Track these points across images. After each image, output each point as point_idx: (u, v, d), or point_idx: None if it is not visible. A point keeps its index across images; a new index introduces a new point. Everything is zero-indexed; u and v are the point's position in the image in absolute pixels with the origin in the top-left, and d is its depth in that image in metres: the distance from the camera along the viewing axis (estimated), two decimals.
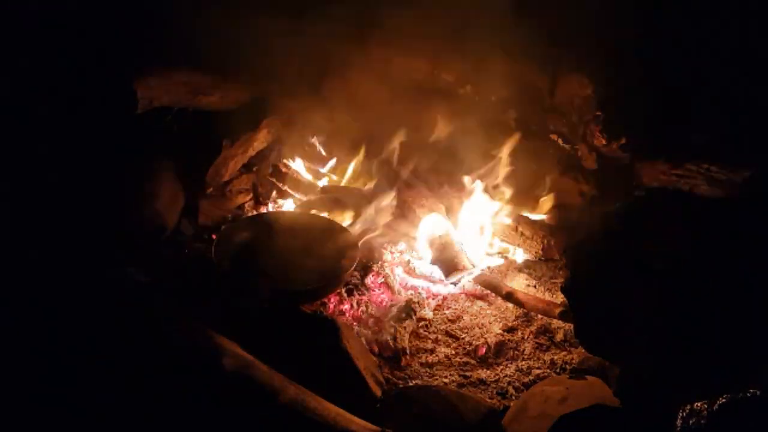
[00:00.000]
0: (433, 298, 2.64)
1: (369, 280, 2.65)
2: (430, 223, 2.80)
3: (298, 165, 3.25)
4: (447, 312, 2.58)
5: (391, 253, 2.82)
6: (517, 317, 2.55)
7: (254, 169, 3.27)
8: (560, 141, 2.94)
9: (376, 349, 2.32)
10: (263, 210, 3.11)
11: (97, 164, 2.80)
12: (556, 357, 2.35)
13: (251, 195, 3.18)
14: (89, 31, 2.77)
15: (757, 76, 2.37)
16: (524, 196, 2.94)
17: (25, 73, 2.69)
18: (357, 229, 2.79)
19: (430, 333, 2.47)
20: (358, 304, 2.52)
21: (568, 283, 2.06)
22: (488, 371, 2.29)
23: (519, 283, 2.74)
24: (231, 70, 3.10)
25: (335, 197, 2.99)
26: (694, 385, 1.91)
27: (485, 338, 2.43)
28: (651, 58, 2.54)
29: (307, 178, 3.19)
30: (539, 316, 2.52)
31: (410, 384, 2.19)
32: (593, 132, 2.67)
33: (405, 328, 2.39)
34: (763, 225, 2.10)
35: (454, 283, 2.69)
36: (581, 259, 2.05)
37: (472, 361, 2.34)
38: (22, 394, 2.01)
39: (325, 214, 2.85)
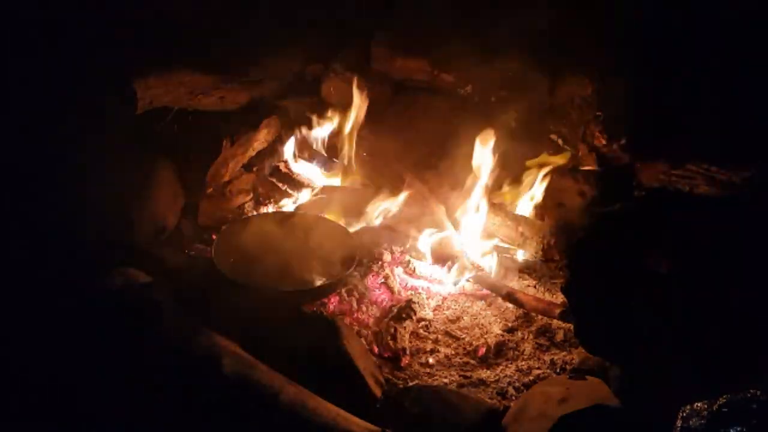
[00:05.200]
0: (433, 298, 2.64)
1: (369, 280, 2.65)
2: (430, 224, 2.80)
3: (298, 165, 3.25)
4: (447, 312, 2.58)
5: (391, 253, 2.82)
6: (517, 317, 2.55)
7: (254, 169, 3.27)
8: (560, 141, 2.94)
9: (376, 350, 2.32)
10: (263, 210, 3.11)
11: (96, 164, 2.80)
12: (556, 357, 2.35)
13: (251, 195, 3.18)
14: (89, 30, 2.77)
15: (758, 75, 2.36)
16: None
17: (23, 73, 2.69)
18: (357, 228, 2.80)
19: (430, 333, 2.46)
20: (358, 304, 2.52)
21: (568, 283, 2.06)
22: (488, 371, 2.29)
23: (519, 283, 2.74)
24: (231, 70, 3.11)
25: (335, 197, 2.99)
26: (694, 385, 1.92)
27: (485, 338, 2.43)
28: (651, 58, 2.54)
29: (307, 179, 3.19)
30: (539, 316, 2.52)
31: (410, 384, 2.19)
32: (593, 132, 2.67)
33: (405, 328, 2.39)
34: (763, 225, 2.10)
35: (454, 283, 2.69)
36: (581, 259, 2.05)
37: (472, 361, 2.34)
38: (22, 396, 2.01)
39: (325, 214, 2.85)
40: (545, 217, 2.86)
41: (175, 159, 2.98)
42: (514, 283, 2.72)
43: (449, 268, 2.68)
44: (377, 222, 2.87)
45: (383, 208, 2.88)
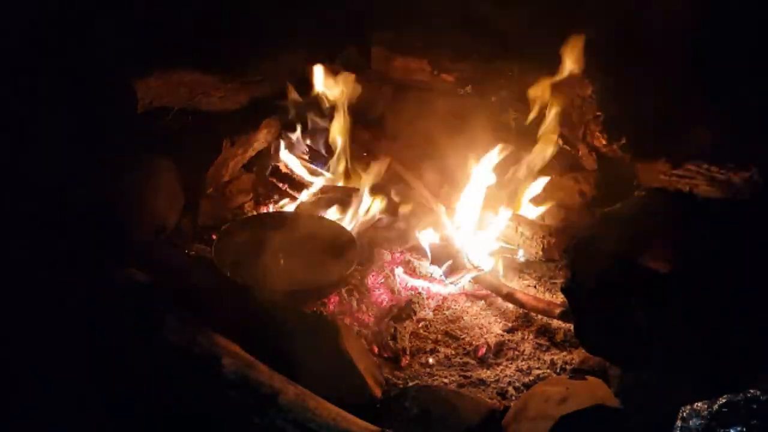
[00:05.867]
0: (433, 299, 2.64)
1: (369, 280, 2.65)
2: (430, 224, 2.80)
3: (298, 165, 3.25)
4: (447, 312, 2.58)
5: (391, 253, 2.82)
6: (517, 317, 2.55)
7: (254, 169, 3.27)
8: (560, 141, 2.94)
9: (376, 349, 2.32)
10: (263, 210, 3.11)
11: (97, 164, 2.80)
12: (556, 357, 2.35)
13: (251, 195, 3.19)
14: (89, 30, 2.77)
15: (758, 75, 2.36)
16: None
17: (24, 73, 2.69)
18: (357, 228, 2.79)
19: (430, 333, 2.46)
20: (358, 304, 2.52)
21: (568, 283, 2.06)
22: (488, 371, 2.29)
23: (519, 283, 2.74)
24: (231, 70, 3.11)
25: (335, 197, 2.99)
26: (694, 385, 1.92)
27: (485, 338, 2.43)
28: (651, 58, 2.55)
29: (307, 178, 3.19)
30: (539, 316, 2.52)
31: (410, 384, 2.19)
32: (593, 132, 2.67)
33: (405, 328, 2.39)
34: (764, 225, 2.10)
35: (454, 283, 2.69)
36: (581, 259, 2.05)
37: (472, 361, 2.34)
38: (21, 396, 2.01)
39: (324, 214, 2.85)
40: (545, 217, 2.86)
41: (175, 159, 2.98)
42: (514, 283, 2.72)
43: (445, 268, 2.67)
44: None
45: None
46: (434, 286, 2.69)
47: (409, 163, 3.12)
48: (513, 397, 2.17)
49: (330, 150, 3.23)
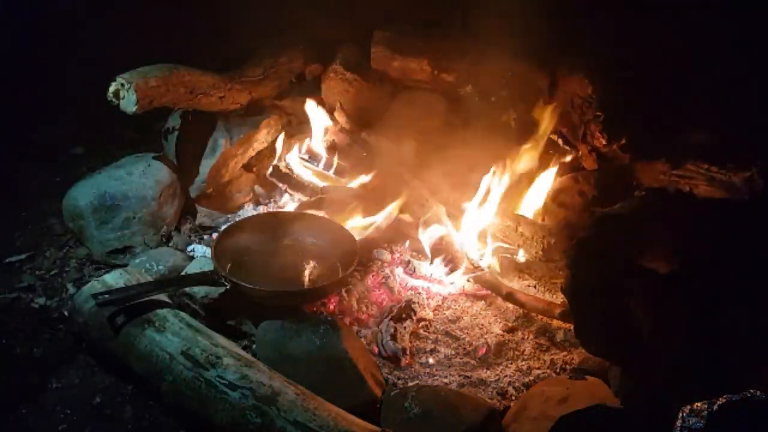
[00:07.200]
0: (433, 298, 2.63)
1: (369, 280, 2.65)
2: (431, 224, 2.80)
3: (297, 165, 3.25)
4: (447, 312, 2.58)
5: (392, 253, 2.82)
6: (517, 317, 2.55)
7: (254, 169, 3.27)
8: (560, 141, 2.94)
9: (376, 349, 2.32)
10: (263, 210, 3.11)
11: (96, 164, 2.80)
12: (556, 357, 2.35)
13: (251, 195, 3.19)
14: (89, 29, 2.78)
15: (757, 75, 2.37)
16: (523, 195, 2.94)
17: (25, 71, 2.70)
18: (357, 229, 2.79)
19: (430, 333, 2.46)
20: (358, 304, 2.52)
21: (568, 283, 2.06)
22: (488, 371, 2.29)
23: (519, 283, 2.74)
24: (231, 70, 3.11)
25: (335, 197, 2.99)
26: (694, 385, 1.92)
27: (485, 338, 2.43)
28: (651, 59, 2.55)
29: (307, 179, 3.19)
30: (539, 316, 2.52)
31: (410, 384, 2.19)
32: (593, 132, 2.67)
33: (405, 328, 2.39)
34: (764, 225, 2.10)
35: (454, 283, 2.69)
36: (581, 259, 2.05)
37: (472, 361, 2.34)
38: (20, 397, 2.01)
39: (324, 214, 2.85)
40: (545, 217, 2.86)
41: (176, 159, 2.99)
42: (514, 283, 2.72)
43: (445, 268, 2.67)
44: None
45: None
46: (434, 286, 2.69)
47: (409, 163, 3.11)
48: (513, 397, 2.17)
49: (330, 151, 3.24)
